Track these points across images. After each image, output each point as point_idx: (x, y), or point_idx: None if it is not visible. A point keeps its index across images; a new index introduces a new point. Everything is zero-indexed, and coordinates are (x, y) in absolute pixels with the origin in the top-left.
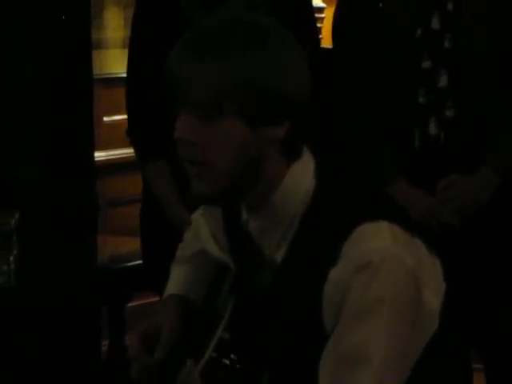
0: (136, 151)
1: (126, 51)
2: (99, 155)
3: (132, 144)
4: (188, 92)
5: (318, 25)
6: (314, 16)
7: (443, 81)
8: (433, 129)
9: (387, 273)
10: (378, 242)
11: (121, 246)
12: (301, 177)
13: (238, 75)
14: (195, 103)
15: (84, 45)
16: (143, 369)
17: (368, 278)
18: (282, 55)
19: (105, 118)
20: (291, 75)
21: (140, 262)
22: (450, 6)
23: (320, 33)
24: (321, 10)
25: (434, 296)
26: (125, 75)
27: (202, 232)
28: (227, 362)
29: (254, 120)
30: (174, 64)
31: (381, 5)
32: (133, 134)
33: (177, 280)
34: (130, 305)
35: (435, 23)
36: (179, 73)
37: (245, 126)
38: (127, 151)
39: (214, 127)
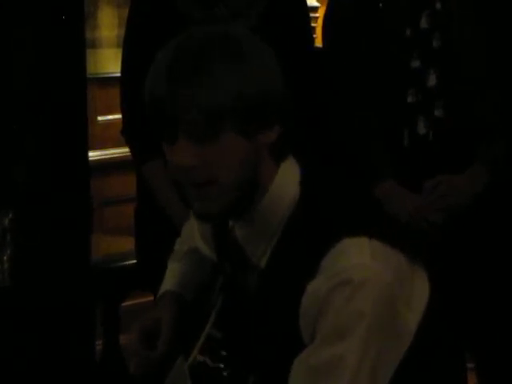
0: (132, 151)
1: (120, 51)
2: (93, 155)
3: (128, 144)
4: (182, 120)
5: (313, 24)
6: (308, 16)
7: (432, 80)
8: (422, 128)
9: (367, 290)
10: (357, 259)
11: (115, 246)
12: (286, 184)
13: (226, 94)
14: (191, 129)
15: (78, 44)
16: (143, 363)
17: (348, 294)
18: (260, 61)
19: (99, 118)
20: (272, 77)
21: (135, 261)
22: (438, 6)
23: (314, 32)
24: (315, 9)
25: (411, 312)
26: (119, 74)
27: (195, 230)
28: (213, 362)
29: (250, 131)
30: (160, 91)
31: (381, 5)
32: (128, 133)
33: (172, 276)
34: (124, 304)
35: (424, 23)
36: (168, 101)
37: (242, 138)
38: (121, 151)
39: (213, 147)
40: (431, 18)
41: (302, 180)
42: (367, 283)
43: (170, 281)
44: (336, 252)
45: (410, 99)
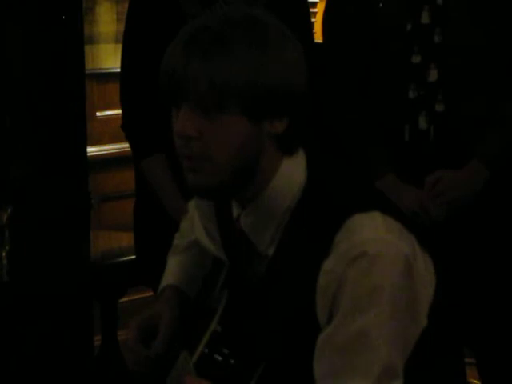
0: (132, 146)
1: (118, 46)
2: (92, 150)
3: (128, 139)
4: (190, 89)
5: (312, 19)
6: (309, 12)
7: (433, 75)
8: (423, 123)
9: (384, 261)
10: (372, 232)
11: (114, 241)
12: (292, 171)
13: (240, 73)
14: (197, 100)
15: (76, 40)
16: (140, 360)
17: (365, 267)
18: (283, 50)
19: (97, 113)
20: (291, 69)
21: (133, 257)
22: (439, 1)
23: (313, 28)
24: (313, 4)
25: (424, 288)
26: (117, 70)
27: (196, 223)
28: (220, 356)
29: (257, 116)
30: (175, 60)
31: (381, 4)
32: (128, 128)
33: (172, 271)
34: (122, 300)
35: (425, 18)
36: (181, 69)
37: (248, 121)
38: (120, 146)
39: (216, 122)
40: (432, 12)
41: (309, 167)
42: (382, 255)
43: (170, 275)
44: (349, 227)
45: (410, 94)
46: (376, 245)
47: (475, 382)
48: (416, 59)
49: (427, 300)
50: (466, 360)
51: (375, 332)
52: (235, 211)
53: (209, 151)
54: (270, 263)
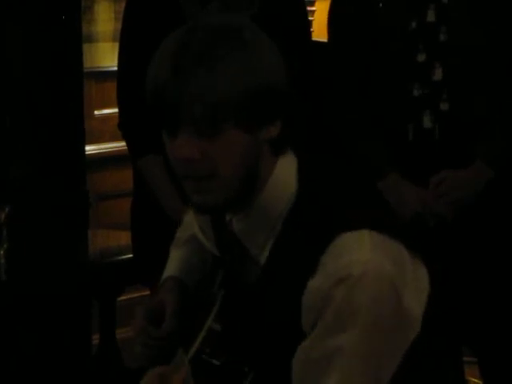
0: (129, 145)
1: (116, 45)
2: (90, 149)
3: (124, 138)
4: (185, 117)
5: (309, 18)
6: (306, 11)
7: (438, 74)
8: (427, 122)
9: (367, 284)
10: (357, 254)
11: (112, 240)
12: (284, 177)
13: (231, 85)
14: (194, 125)
15: (74, 38)
16: (148, 342)
17: (348, 289)
18: (263, 52)
19: (96, 112)
20: (275, 69)
21: (131, 255)
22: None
23: (311, 26)
24: (312, 3)
25: (415, 300)
26: (115, 69)
27: (195, 221)
28: (214, 357)
29: (252, 125)
30: (163, 84)
31: (381, 4)
32: (125, 127)
33: (174, 262)
34: (120, 298)
35: (430, 16)
36: (170, 95)
37: (244, 133)
38: (118, 145)
39: (216, 140)
40: (438, 11)
41: (300, 173)
42: (366, 276)
43: (171, 267)
44: (336, 248)
45: (415, 93)
46: (361, 267)
47: (474, 380)
48: (421, 58)
49: (420, 306)
50: (465, 359)
51: (350, 351)
52: (228, 215)
53: (214, 169)
54: (262, 271)
